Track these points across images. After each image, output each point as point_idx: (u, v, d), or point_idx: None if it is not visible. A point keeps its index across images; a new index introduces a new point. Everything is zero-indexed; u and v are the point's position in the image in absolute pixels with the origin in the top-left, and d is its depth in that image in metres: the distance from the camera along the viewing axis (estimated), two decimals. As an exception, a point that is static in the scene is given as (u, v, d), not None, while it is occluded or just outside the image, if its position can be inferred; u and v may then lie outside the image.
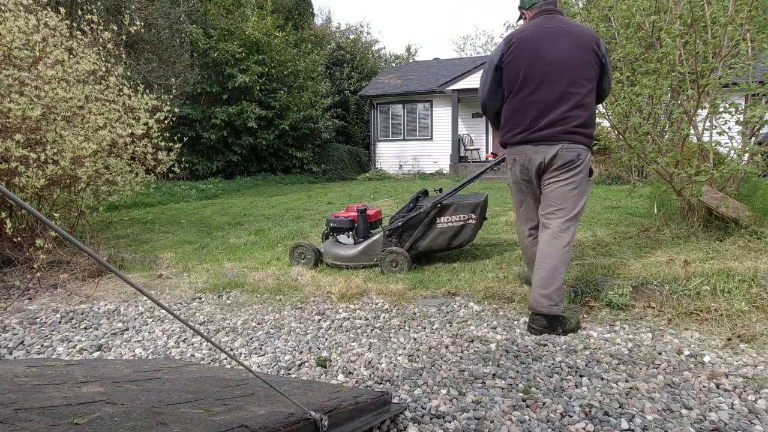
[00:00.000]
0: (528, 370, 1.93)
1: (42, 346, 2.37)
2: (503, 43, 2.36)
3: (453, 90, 14.95)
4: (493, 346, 2.17)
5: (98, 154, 3.81)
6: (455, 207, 3.34)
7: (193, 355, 2.22)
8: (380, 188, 10.27)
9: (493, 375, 1.89)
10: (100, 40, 4.55)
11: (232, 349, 2.28)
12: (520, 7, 2.54)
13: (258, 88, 13.46)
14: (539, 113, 2.30)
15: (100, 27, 4.52)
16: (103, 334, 2.51)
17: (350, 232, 3.61)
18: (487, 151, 16.23)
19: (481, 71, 14.84)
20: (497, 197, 8.22)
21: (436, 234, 3.38)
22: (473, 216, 3.31)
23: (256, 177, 13.95)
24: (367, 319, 2.57)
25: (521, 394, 1.73)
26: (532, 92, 2.30)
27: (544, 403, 1.67)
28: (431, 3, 62.42)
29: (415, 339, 2.29)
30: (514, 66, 2.31)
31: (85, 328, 2.62)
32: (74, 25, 4.43)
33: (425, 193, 3.69)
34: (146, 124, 4.34)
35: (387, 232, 3.42)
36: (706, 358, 1.98)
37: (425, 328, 2.43)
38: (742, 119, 3.40)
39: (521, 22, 2.57)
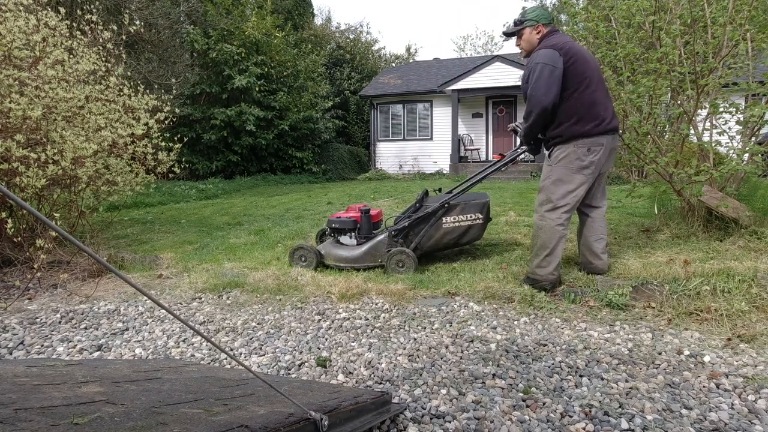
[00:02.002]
0: (528, 370, 1.93)
1: (42, 346, 2.37)
2: (556, 52, 2.64)
3: (453, 90, 14.95)
4: (493, 346, 2.17)
5: (98, 154, 3.81)
6: (462, 207, 3.34)
7: (193, 355, 2.22)
8: (380, 188, 10.27)
9: (493, 375, 1.89)
10: (100, 40, 4.54)
11: (232, 349, 2.28)
12: (531, 21, 2.78)
13: (257, 89, 13.45)
14: (606, 107, 2.71)
15: (100, 27, 4.51)
16: (103, 334, 2.51)
17: (353, 233, 3.56)
18: (494, 152, 16.23)
19: (481, 71, 14.82)
20: (497, 197, 8.22)
21: (442, 234, 3.37)
22: (480, 216, 3.34)
23: (256, 177, 13.95)
24: (367, 319, 2.57)
25: (521, 394, 1.73)
26: (595, 90, 2.68)
27: (544, 403, 1.67)
28: (431, 3, 62.42)
29: (415, 339, 2.29)
30: (577, 68, 2.64)
31: (85, 328, 2.62)
32: (74, 25, 4.43)
33: (426, 193, 3.70)
34: (146, 124, 4.34)
35: (393, 232, 3.40)
36: (706, 358, 1.98)
37: (425, 328, 2.43)
38: (742, 119, 3.40)
39: (534, 34, 2.80)
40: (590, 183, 2.75)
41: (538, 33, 2.79)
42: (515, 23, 2.86)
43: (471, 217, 3.33)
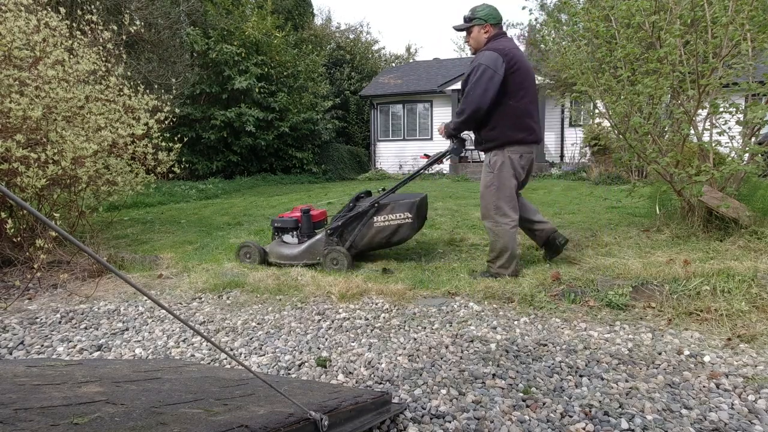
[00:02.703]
0: (528, 370, 1.93)
1: (42, 346, 2.37)
2: (500, 57, 2.75)
3: (453, 90, 14.95)
4: (493, 346, 2.17)
5: (98, 154, 3.81)
6: (392, 206, 3.45)
7: (193, 355, 2.22)
8: (379, 188, 10.26)
9: (493, 375, 1.89)
10: (100, 40, 4.54)
11: (232, 349, 2.28)
12: (479, 19, 2.89)
13: (257, 90, 13.45)
14: (535, 119, 2.91)
15: (100, 27, 4.51)
16: (103, 334, 2.51)
17: (294, 232, 3.73)
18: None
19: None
20: (497, 197, 8.22)
21: (374, 232, 3.49)
22: (409, 215, 3.41)
23: (256, 177, 13.95)
24: (367, 319, 2.57)
25: (521, 394, 1.73)
26: (530, 102, 2.86)
27: (544, 403, 1.67)
28: (431, 3, 62.41)
29: (415, 339, 2.29)
30: (516, 76, 2.78)
31: (85, 328, 2.62)
32: (74, 25, 4.43)
33: (368, 193, 3.81)
34: (146, 124, 4.34)
35: (329, 231, 3.55)
36: (706, 358, 1.98)
37: (425, 328, 2.43)
38: (742, 119, 3.40)
39: (482, 33, 2.91)
40: (516, 187, 3.00)
41: (486, 32, 2.89)
42: (465, 20, 2.94)
43: (400, 216, 3.41)
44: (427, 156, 3.51)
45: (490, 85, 2.74)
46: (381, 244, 3.55)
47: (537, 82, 12.07)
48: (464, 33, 3.03)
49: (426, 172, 3.58)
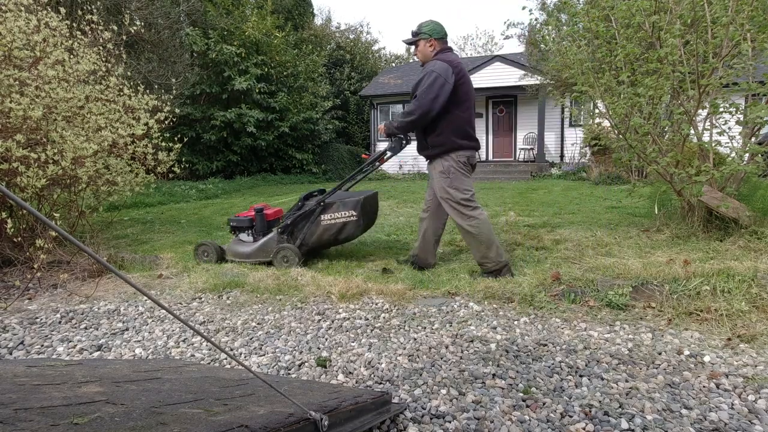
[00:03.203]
0: (528, 370, 1.93)
1: (42, 346, 2.37)
2: (451, 68, 2.96)
3: (453, 90, 14.93)
4: (493, 346, 2.17)
5: (98, 154, 3.81)
6: (338, 205, 3.53)
7: (193, 355, 2.22)
8: (380, 188, 10.27)
9: (493, 375, 1.89)
10: (100, 40, 4.54)
11: (232, 349, 2.28)
12: (425, 34, 3.08)
13: (257, 91, 13.44)
14: (474, 129, 3.14)
15: (100, 27, 4.51)
16: (103, 334, 2.51)
17: (249, 231, 3.81)
18: (494, 152, 16.22)
19: (481, 71, 14.84)
20: (497, 197, 8.23)
21: (322, 230, 3.58)
22: (354, 213, 3.49)
23: (256, 177, 13.95)
24: (367, 319, 2.57)
25: (521, 394, 1.73)
26: (471, 113, 3.10)
27: (544, 403, 1.67)
28: (431, 3, 62.40)
29: (415, 339, 2.29)
30: (463, 87, 3.01)
31: (85, 328, 2.62)
32: (74, 25, 4.42)
33: (322, 192, 3.86)
34: (146, 124, 4.34)
35: (279, 229, 3.67)
36: (706, 358, 1.98)
37: (425, 328, 2.43)
38: (742, 119, 3.40)
39: (428, 47, 3.09)
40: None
41: (431, 46, 3.09)
42: (412, 34, 3.15)
43: (345, 214, 3.50)
44: (368, 155, 3.57)
45: (441, 92, 2.93)
46: (330, 242, 3.64)
47: (537, 82, 12.04)
48: (414, 47, 3.22)
49: (371, 170, 3.65)
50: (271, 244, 3.66)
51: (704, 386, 1.77)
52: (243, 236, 3.83)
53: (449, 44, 3.19)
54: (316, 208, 3.57)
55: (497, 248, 3.08)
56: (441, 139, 3.06)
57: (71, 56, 3.95)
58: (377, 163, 3.52)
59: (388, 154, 3.39)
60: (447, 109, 2.99)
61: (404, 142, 3.29)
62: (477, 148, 3.19)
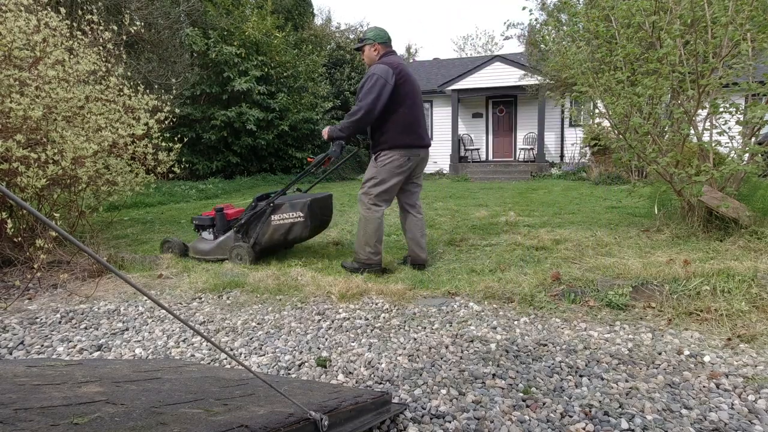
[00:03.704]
0: (528, 370, 1.93)
1: (42, 346, 2.37)
2: (391, 70, 3.11)
3: (453, 90, 14.95)
4: (493, 346, 2.17)
5: (98, 154, 3.81)
6: (286, 206, 3.64)
7: (193, 355, 2.22)
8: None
9: (493, 375, 1.89)
10: (101, 40, 4.54)
11: (232, 349, 2.28)
12: (369, 39, 3.28)
13: (257, 91, 13.44)
14: (421, 126, 3.27)
15: (100, 27, 4.51)
16: (103, 334, 2.51)
17: (210, 229, 3.97)
18: (494, 152, 16.22)
19: (481, 71, 14.83)
20: (497, 197, 8.23)
21: (272, 230, 3.69)
22: (301, 214, 3.59)
23: (256, 177, 13.94)
24: (367, 319, 2.57)
25: (521, 394, 1.73)
26: (415, 111, 3.22)
27: (544, 403, 1.67)
28: (431, 3, 62.40)
29: (415, 339, 2.29)
30: (404, 87, 3.14)
31: (85, 328, 2.62)
32: (74, 25, 4.42)
33: (284, 193, 3.95)
34: (146, 124, 4.34)
35: (235, 228, 3.81)
36: (706, 358, 1.98)
37: (425, 328, 2.43)
38: (742, 119, 3.41)
39: (372, 51, 3.27)
40: (401, 183, 3.31)
41: (375, 51, 3.28)
42: (358, 41, 3.37)
43: (293, 215, 3.61)
44: (311, 159, 3.62)
45: (382, 92, 3.07)
46: (281, 242, 3.75)
47: (537, 82, 12.01)
48: (360, 52, 3.40)
49: (314, 172, 3.69)
50: (228, 242, 3.83)
51: (704, 386, 1.77)
52: (205, 234, 4.00)
53: (394, 48, 3.40)
54: (267, 208, 3.70)
55: (372, 251, 3.28)
56: (385, 138, 3.22)
57: (71, 56, 3.95)
58: (321, 167, 3.60)
59: (332, 157, 3.45)
60: (390, 109, 3.14)
61: (344, 146, 3.37)
62: (422, 146, 3.29)
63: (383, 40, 3.29)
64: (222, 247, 3.84)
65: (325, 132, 3.33)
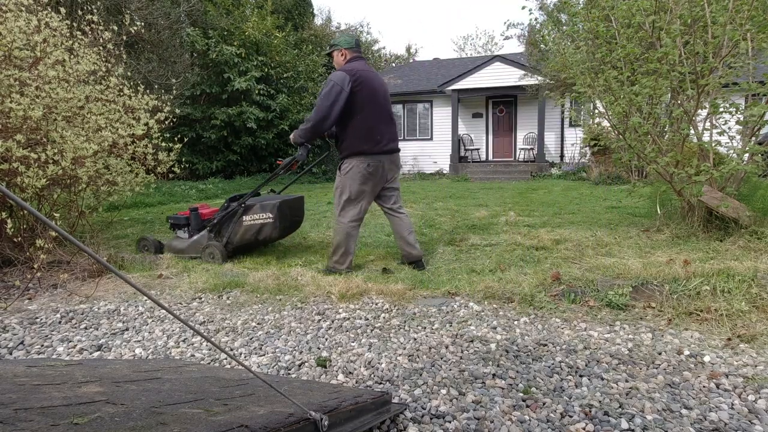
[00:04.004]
0: (528, 370, 1.93)
1: (42, 346, 2.37)
2: (348, 76, 3.12)
3: (453, 90, 14.95)
4: (493, 346, 2.17)
5: (98, 154, 3.81)
6: (257, 207, 3.73)
7: (193, 355, 2.22)
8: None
9: (493, 375, 1.89)
10: (101, 40, 4.54)
11: (232, 349, 2.28)
12: (336, 45, 3.33)
13: (257, 92, 13.44)
14: (383, 132, 3.24)
15: (101, 27, 4.51)
16: (103, 334, 2.51)
17: (186, 228, 4.07)
18: (494, 152, 16.22)
19: (481, 71, 14.82)
20: (497, 197, 8.23)
21: (244, 230, 3.79)
22: (270, 216, 3.69)
23: (256, 177, 13.95)
24: (367, 319, 2.57)
25: (521, 394, 1.73)
26: (373, 117, 3.20)
27: (544, 403, 1.67)
28: (431, 3, 62.38)
29: (415, 339, 2.29)
30: (361, 94, 3.14)
31: (85, 328, 2.62)
32: (74, 25, 4.42)
33: (257, 194, 4.04)
34: (146, 124, 4.34)
35: (209, 228, 3.91)
36: (706, 358, 1.98)
37: (425, 328, 2.43)
38: (742, 119, 3.41)
39: (340, 56, 3.32)
40: (375, 191, 3.33)
41: (342, 56, 3.34)
42: (328, 47, 3.44)
43: (263, 216, 3.71)
44: (280, 161, 3.68)
45: (338, 98, 3.11)
46: (252, 242, 3.84)
47: (537, 82, 11.99)
48: (331, 58, 3.45)
49: (282, 174, 3.75)
50: (202, 241, 3.92)
51: (704, 386, 1.77)
52: (180, 233, 4.10)
53: (362, 53, 3.44)
54: (238, 209, 3.78)
55: (344, 257, 3.34)
56: (345, 145, 3.26)
57: (71, 56, 3.95)
58: (290, 169, 3.65)
59: (297, 161, 3.51)
60: (349, 115, 3.18)
61: (309, 149, 3.41)
62: (382, 152, 3.25)
63: (350, 45, 3.34)
64: (195, 246, 3.93)
65: (292, 137, 3.38)
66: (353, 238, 3.34)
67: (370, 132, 3.21)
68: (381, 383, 1.87)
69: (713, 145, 3.48)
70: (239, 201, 3.82)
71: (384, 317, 2.60)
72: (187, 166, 12.58)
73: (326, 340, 2.33)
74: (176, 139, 5.68)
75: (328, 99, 3.11)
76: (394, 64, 27.42)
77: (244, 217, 3.76)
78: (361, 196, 3.28)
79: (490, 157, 16.48)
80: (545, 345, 2.17)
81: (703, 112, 3.61)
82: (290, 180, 4.09)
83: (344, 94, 3.11)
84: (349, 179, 3.25)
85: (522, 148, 15.66)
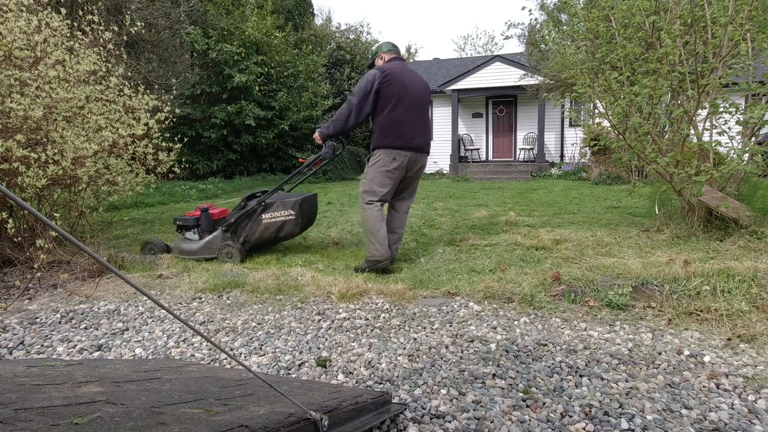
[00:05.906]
0: (528, 370, 1.93)
1: (42, 346, 2.37)
2: (379, 73, 3.24)
3: (453, 90, 14.95)
4: (493, 346, 2.17)
5: (99, 154, 3.81)
6: (277, 204, 3.76)
7: (193, 355, 2.22)
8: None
9: (493, 375, 1.89)
10: (101, 41, 4.54)
11: (232, 349, 2.28)
12: (376, 53, 3.50)
13: (257, 88, 13.44)
14: (411, 127, 3.31)
15: (101, 27, 4.51)
16: (103, 334, 2.51)
17: (195, 229, 4.01)
18: (494, 152, 16.22)
19: (481, 71, 14.83)
20: (497, 197, 8.23)
21: (263, 228, 3.81)
22: (292, 212, 3.74)
23: (256, 177, 13.94)
24: (367, 319, 2.57)
25: (521, 394, 1.73)
26: (401, 112, 3.26)
27: (544, 403, 1.67)
28: (431, 3, 62.38)
29: (415, 339, 2.29)
30: (389, 89, 3.23)
31: (85, 328, 2.62)
32: (75, 25, 4.43)
33: (264, 192, 4.03)
34: (146, 124, 4.34)
35: (224, 228, 3.88)
36: (706, 358, 1.98)
37: (425, 328, 2.43)
38: (742, 119, 3.41)
39: (378, 62, 3.47)
40: (396, 182, 3.41)
41: (382, 60, 3.50)
42: (371, 55, 3.62)
43: (284, 213, 3.75)
44: (303, 160, 3.70)
45: (366, 92, 3.25)
46: (271, 239, 3.87)
47: (537, 82, 12.00)
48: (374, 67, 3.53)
49: (307, 172, 3.79)
50: (216, 242, 3.89)
51: (704, 386, 1.77)
52: (189, 234, 4.03)
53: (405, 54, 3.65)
54: (258, 207, 3.78)
55: (378, 245, 3.33)
56: (374, 137, 3.38)
57: (72, 56, 3.96)
58: (314, 167, 3.72)
59: (323, 158, 3.54)
60: (379, 110, 3.29)
61: (336, 147, 3.48)
62: (409, 147, 3.33)
63: (387, 49, 3.51)
64: (209, 247, 3.89)
65: (317, 136, 3.45)
66: (383, 222, 3.38)
67: (395, 125, 3.29)
68: (381, 383, 1.87)
69: (713, 145, 3.48)
70: (259, 199, 3.81)
71: (384, 317, 2.60)
72: (187, 165, 12.59)
73: (326, 340, 2.33)
74: (176, 138, 5.68)
75: (357, 94, 3.26)
76: (394, 64, 27.35)
77: (263, 215, 3.77)
78: (384, 186, 3.38)
79: (490, 157, 16.48)
80: (545, 345, 2.17)
81: (703, 113, 3.61)
82: (299, 179, 4.09)
83: (372, 90, 3.23)
84: (374, 170, 3.36)
85: (522, 148, 15.66)
